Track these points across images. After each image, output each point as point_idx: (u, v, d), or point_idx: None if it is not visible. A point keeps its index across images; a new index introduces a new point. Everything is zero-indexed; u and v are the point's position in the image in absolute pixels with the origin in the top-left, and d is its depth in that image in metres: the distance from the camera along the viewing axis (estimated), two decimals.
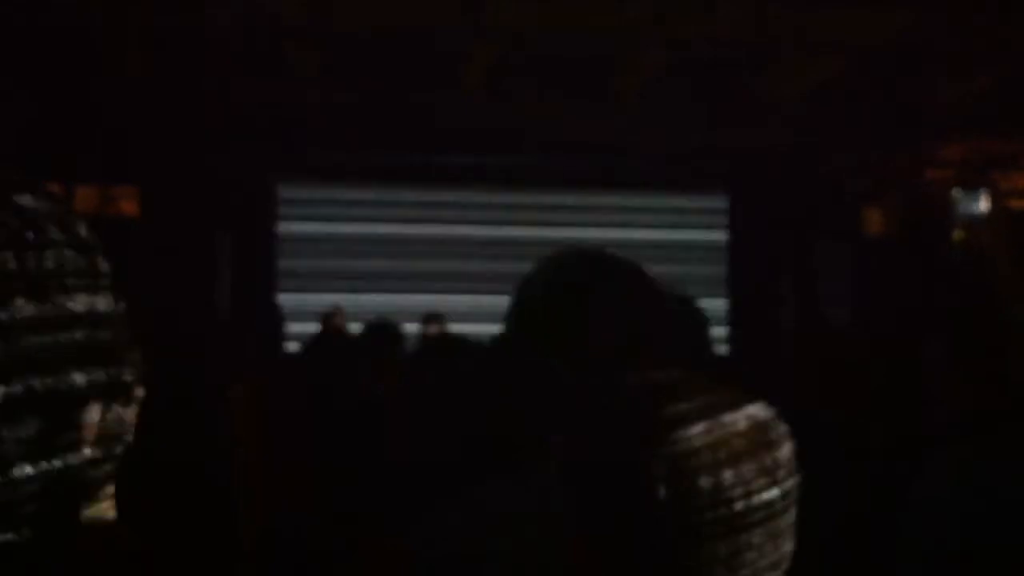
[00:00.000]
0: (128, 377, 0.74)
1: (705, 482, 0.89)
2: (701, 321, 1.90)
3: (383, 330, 3.85)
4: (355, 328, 5.42)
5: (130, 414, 0.75)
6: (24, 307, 0.66)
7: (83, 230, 0.74)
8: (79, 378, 0.69)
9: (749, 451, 0.92)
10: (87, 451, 0.71)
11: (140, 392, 0.76)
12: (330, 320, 6.52)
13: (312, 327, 6.16)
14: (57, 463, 0.68)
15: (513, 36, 5.69)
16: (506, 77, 6.55)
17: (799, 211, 8.23)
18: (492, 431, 1.81)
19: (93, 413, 0.70)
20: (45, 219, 0.70)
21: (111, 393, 0.72)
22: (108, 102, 6.59)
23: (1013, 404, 1.55)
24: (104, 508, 0.76)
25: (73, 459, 0.70)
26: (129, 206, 7.34)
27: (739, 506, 0.90)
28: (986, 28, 5.38)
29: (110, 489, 0.76)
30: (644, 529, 0.90)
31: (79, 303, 0.70)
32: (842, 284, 8.10)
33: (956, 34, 5.49)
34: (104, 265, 0.74)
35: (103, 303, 0.72)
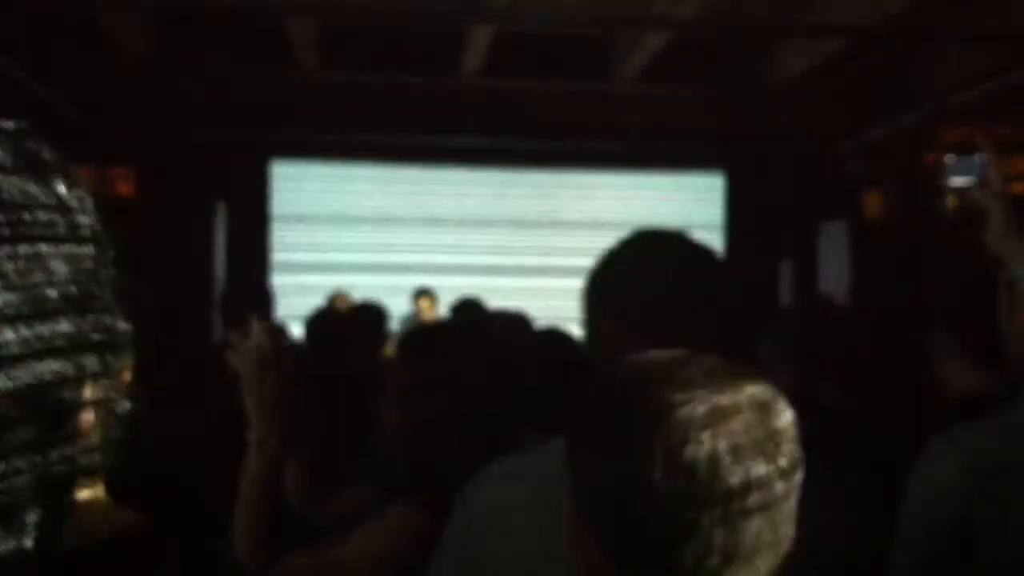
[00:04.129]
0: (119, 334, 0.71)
1: (702, 459, 0.88)
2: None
3: (375, 311, 3.88)
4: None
5: (124, 379, 0.72)
6: None
7: (58, 184, 0.70)
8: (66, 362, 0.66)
9: (749, 430, 0.91)
10: (83, 439, 0.68)
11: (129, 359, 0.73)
12: (334, 302, 6.55)
13: (304, 304, 6.17)
14: (54, 454, 0.66)
15: (512, 16, 5.66)
16: (504, 57, 6.52)
17: (798, 193, 8.22)
18: (498, 410, 1.82)
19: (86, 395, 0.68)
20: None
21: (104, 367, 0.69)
22: (105, 83, 6.57)
23: (1014, 387, 1.54)
24: (99, 490, 0.74)
25: (70, 450, 0.67)
26: (126, 187, 7.32)
27: (736, 483, 0.89)
28: (987, 9, 5.35)
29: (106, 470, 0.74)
30: (640, 506, 0.89)
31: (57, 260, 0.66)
32: (841, 266, 8.10)
33: (957, 15, 5.47)
34: (82, 211, 0.70)
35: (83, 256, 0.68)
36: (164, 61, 6.50)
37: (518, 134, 7.77)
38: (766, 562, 0.92)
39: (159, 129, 7.14)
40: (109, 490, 0.86)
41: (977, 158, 1.78)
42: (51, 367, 0.65)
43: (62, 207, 0.69)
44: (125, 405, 0.72)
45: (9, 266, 0.64)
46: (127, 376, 0.73)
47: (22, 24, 5.59)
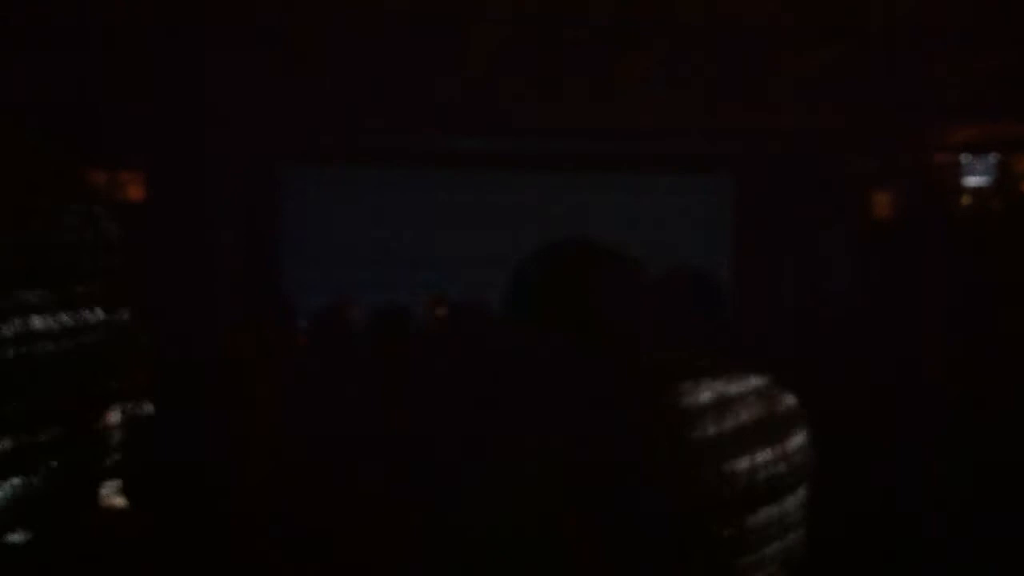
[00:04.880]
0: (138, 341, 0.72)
1: (710, 465, 0.87)
2: (718, 300, 1.91)
3: (390, 314, 3.88)
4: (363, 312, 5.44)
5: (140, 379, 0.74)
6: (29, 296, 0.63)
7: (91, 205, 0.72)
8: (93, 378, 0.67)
9: (757, 434, 0.89)
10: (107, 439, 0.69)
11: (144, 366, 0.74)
12: (340, 308, 6.54)
13: (315, 307, 6.17)
14: (76, 454, 0.67)
15: (515, 18, 5.67)
16: (509, 59, 6.52)
17: (804, 194, 8.21)
18: (497, 406, 1.84)
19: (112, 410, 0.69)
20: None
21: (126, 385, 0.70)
22: (114, 86, 6.59)
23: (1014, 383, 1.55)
24: (116, 490, 0.76)
25: (92, 450, 0.68)
26: (136, 191, 7.34)
27: (745, 485, 0.87)
28: (991, 8, 5.35)
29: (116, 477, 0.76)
30: (646, 509, 0.88)
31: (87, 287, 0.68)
32: (846, 267, 8.08)
33: (961, 15, 5.47)
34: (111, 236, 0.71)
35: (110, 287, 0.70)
36: (170, 63, 6.52)
37: (521, 137, 7.78)
38: (775, 551, 0.90)
39: (169, 132, 7.16)
40: (125, 491, 0.87)
41: (991, 158, 1.78)
42: (76, 368, 0.67)
43: (91, 217, 0.71)
44: (143, 406, 0.74)
45: (43, 271, 0.66)
46: (144, 377, 0.75)
47: (28, 26, 5.62)
